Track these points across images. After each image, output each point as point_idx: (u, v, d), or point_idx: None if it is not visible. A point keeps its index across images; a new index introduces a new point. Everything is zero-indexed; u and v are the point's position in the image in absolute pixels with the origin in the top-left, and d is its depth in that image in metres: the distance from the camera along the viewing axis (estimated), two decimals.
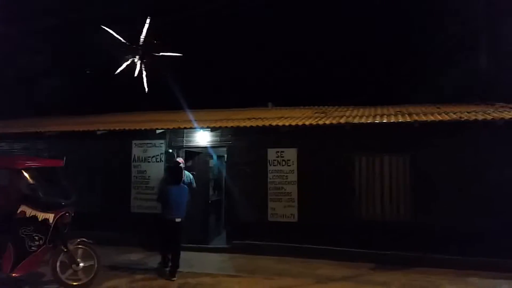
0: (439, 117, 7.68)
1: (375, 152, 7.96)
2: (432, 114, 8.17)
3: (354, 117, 8.33)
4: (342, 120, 8.02)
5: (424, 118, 7.73)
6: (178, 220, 6.80)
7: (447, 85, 12.68)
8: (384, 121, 7.81)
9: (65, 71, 19.57)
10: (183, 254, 7.07)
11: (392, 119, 7.84)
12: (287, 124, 8.22)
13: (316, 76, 15.81)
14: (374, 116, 8.36)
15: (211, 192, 9.67)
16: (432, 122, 7.47)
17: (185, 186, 7.23)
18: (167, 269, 6.93)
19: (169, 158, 9.07)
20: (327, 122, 8.03)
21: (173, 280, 6.61)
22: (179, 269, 6.84)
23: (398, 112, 8.72)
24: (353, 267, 7.28)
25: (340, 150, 8.13)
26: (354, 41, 15.50)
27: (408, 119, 7.74)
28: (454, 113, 7.98)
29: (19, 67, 18.94)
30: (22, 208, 5.91)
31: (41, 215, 5.94)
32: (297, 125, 8.12)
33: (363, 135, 7.98)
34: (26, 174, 6.08)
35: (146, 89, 16.40)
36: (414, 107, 9.50)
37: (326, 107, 10.87)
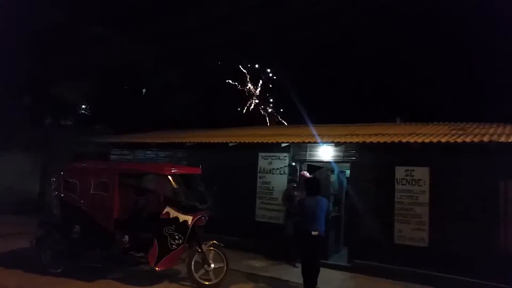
0: None
1: None
2: None
3: (500, 135, 7.40)
4: (485, 138, 7.19)
5: None
6: (314, 233, 6.29)
7: None
8: None
9: (196, 89, 21.63)
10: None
11: None
12: (419, 140, 7.70)
13: (451, 90, 14.52)
14: None
15: (331, 207, 9.54)
16: None
17: (324, 198, 6.75)
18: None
19: (292, 171, 9.29)
20: (467, 140, 7.29)
21: None
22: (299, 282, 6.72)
23: None
24: None
25: (482, 172, 7.28)
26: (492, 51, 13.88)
27: None
28: None
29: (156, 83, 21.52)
30: (167, 209, 6.64)
31: (182, 217, 6.58)
32: (431, 142, 7.55)
33: (510, 157, 7.04)
34: (171, 180, 6.83)
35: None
36: None
37: (464, 123, 9.87)
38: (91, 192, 7.12)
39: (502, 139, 7.07)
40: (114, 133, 15.24)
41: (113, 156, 12.55)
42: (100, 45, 16.87)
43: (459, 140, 7.38)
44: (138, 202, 7.67)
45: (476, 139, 7.24)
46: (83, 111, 21.15)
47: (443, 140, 7.53)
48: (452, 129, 8.92)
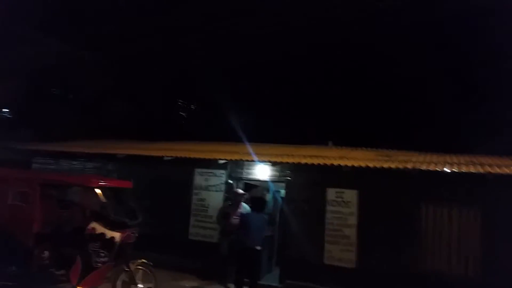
0: None
1: (443, 202, 7.57)
2: (506, 166, 7.68)
3: (421, 163, 8.03)
4: (409, 165, 7.77)
5: (498, 170, 7.29)
6: (258, 248, 6.92)
7: None
8: (455, 170, 7.45)
9: (134, 98, 20.91)
10: None
11: (464, 169, 7.47)
12: (349, 164, 8.10)
13: (379, 118, 15.58)
14: (443, 164, 8.01)
15: (267, 228, 9.61)
16: (507, 175, 7.03)
17: (264, 215, 7.40)
18: None
19: (229, 189, 9.24)
20: (393, 166, 7.81)
21: None
22: None
23: (469, 161, 8.29)
24: None
25: (405, 196, 7.82)
26: (419, 84, 15.22)
27: (481, 170, 7.34)
28: None
29: (92, 89, 20.51)
30: (93, 224, 6.24)
31: (109, 233, 6.22)
32: (360, 166, 7.97)
33: (430, 183, 7.65)
34: (99, 193, 6.46)
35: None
36: (484, 158, 9.00)
37: (389, 150, 10.57)
38: (9, 203, 6.49)
39: (424, 166, 7.68)
40: (38, 140, 14.13)
41: (35, 165, 11.61)
42: (24, 45, 15.77)
43: (386, 165, 7.87)
44: (61, 215, 7.11)
45: (401, 166, 7.77)
46: (3, 114, 19.43)
47: (371, 165, 7.99)
48: (379, 155, 9.50)
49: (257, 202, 7.38)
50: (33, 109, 17.97)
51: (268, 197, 9.99)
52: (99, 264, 6.17)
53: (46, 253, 6.31)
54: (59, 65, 18.02)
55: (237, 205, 8.39)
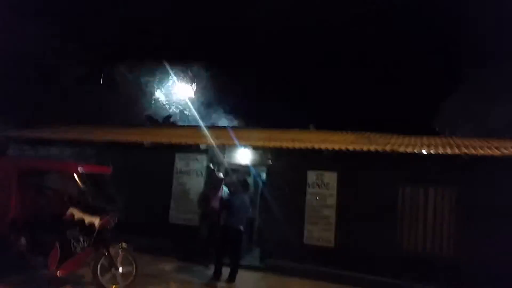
0: (490, 152, 7.40)
1: (420, 183, 7.74)
2: (482, 148, 7.87)
3: (399, 145, 8.16)
4: (388, 148, 7.89)
5: (474, 151, 7.47)
6: (241, 227, 7.21)
7: (494, 118, 12.25)
8: (432, 151, 7.60)
9: (112, 82, 20.55)
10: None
11: (441, 150, 7.62)
12: (330, 147, 8.18)
13: (359, 101, 15.71)
14: (421, 146, 8.16)
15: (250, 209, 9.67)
16: (483, 156, 7.21)
17: (246, 196, 7.64)
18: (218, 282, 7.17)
19: (210, 173, 9.24)
20: (372, 148, 7.92)
21: (233, 284, 7.10)
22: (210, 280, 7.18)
23: (446, 143, 8.47)
24: None
25: (383, 178, 7.97)
26: (399, 67, 15.37)
27: (457, 151, 7.51)
28: (506, 149, 7.65)
29: (71, 74, 20.04)
30: (71, 210, 6.20)
31: (87, 219, 6.19)
32: (340, 149, 8.06)
33: (408, 165, 7.80)
34: (77, 178, 6.38)
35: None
36: (461, 139, 9.21)
37: (369, 133, 10.70)
38: None
39: (402, 149, 7.81)
40: (15, 126, 13.81)
41: (12, 151, 11.35)
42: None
43: (365, 148, 7.98)
44: (39, 202, 7.01)
45: (380, 148, 7.89)
46: None
47: (351, 147, 8.09)
48: (359, 138, 9.62)
49: (240, 184, 7.65)
50: (9, 94, 17.48)
51: (249, 180, 10.02)
52: (78, 250, 6.14)
53: (23, 240, 6.22)
54: (36, 50, 17.52)
55: (217, 188, 8.41)
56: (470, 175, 7.47)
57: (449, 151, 7.62)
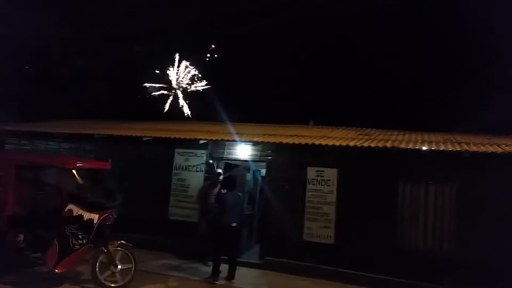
0: (491, 149, 7.36)
1: (420, 180, 7.70)
2: (483, 144, 7.84)
3: (400, 142, 8.12)
4: (389, 144, 7.84)
5: (475, 148, 7.44)
6: (234, 224, 7.16)
7: (497, 116, 12.22)
8: (433, 148, 7.56)
9: (113, 78, 20.43)
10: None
11: (442, 147, 7.58)
12: (330, 143, 8.12)
13: (359, 98, 15.64)
14: (422, 142, 8.12)
15: (245, 205, 9.65)
16: (484, 153, 7.17)
17: (240, 193, 7.66)
18: (217, 281, 7.14)
19: (209, 169, 9.19)
20: (373, 145, 7.87)
21: (232, 282, 7.10)
22: (208, 278, 7.15)
23: (447, 140, 8.43)
24: None
25: (384, 174, 7.91)
26: (400, 63, 15.27)
27: (458, 148, 7.47)
28: (507, 145, 7.62)
29: (71, 70, 19.95)
30: (70, 206, 6.12)
31: (86, 215, 6.12)
32: (341, 146, 8.00)
33: (408, 161, 7.75)
34: (76, 174, 6.31)
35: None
36: (462, 136, 9.17)
37: (369, 129, 10.66)
38: None
39: (403, 145, 7.77)
40: (13, 120, 13.71)
41: (9, 146, 11.27)
42: None
43: (366, 144, 7.93)
44: (37, 198, 6.96)
45: (380, 144, 7.84)
46: None
47: (352, 143, 8.04)
48: (359, 134, 9.58)
49: (227, 181, 7.61)
50: (7, 89, 17.35)
51: (248, 176, 9.99)
52: (77, 247, 6.08)
53: (21, 236, 6.17)
54: (35, 44, 17.39)
55: (215, 184, 8.37)
56: (471, 172, 7.43)
57: (450, 147, 7.58)
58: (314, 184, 8.38)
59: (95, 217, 6.16)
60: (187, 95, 20.78)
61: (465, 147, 7.56)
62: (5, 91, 17.46)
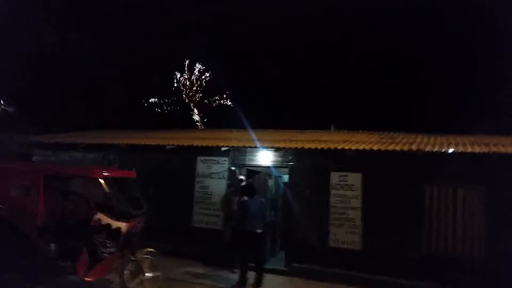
0: None
1: (448, 183, 7.53)
2: (510, 145, 7.63)
3: (425, 145, 7.98)
4: (414, 147, 7.71)
5: (503, 149, 7.25)
6: (259, 231, 7.17)
7: None
8: (460, 150, 7.40)
9: (129, 88, 20.74)
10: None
11: (469, 149, 7.42)
12: (353, 148, 8.04)
13: (381, 101, 15.47)
14: (448, 145, 7.95)
15: (268, 211, 9.61)
16: None
17: (263, 199, 7.66)
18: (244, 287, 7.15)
19: (232, 176, 9.22)
20: (397, 148, 7.75)
21: None
22: (235, 285, 7.15)
23: (473, 142, 8.24)
24: None
25: (409, 178, 7.78)
26: (421, 66, 15.07)
27: (485, 150, 7.29)
28: None
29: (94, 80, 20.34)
30: (98, 215, 6.19)
31: (114, 224, 6.19)
32: (364, 150, 7.91)
33: (434, 164, 7.61)
34: (103, 183, 6.41)
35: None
36: (488, 137, 8.95)
37: (392, 133, 10.51)
38: (12, 196, 6.46)
39: (428, 148, 7.63)
40: (39, 132, 14.07)
41: (36, 157, 11.56)
42: (25, 36, 15.56)
43: (390, 148, 7.82)
44: (65, 207, 7.09)
45: (405, 148, 7.72)
46: (3, 107, 19.29)
47: (375, 147, 7.94)
48: (382, 138, 9.45)
49: (246, 189, 7.62)
50: (34, 101, 17.83)
51: (270, 182, 9.97)
52: (106, 255, 6.16)
53: (52, 246, 6.28)
54: (61, 56, 17.82)
55: (238, 191, 8.38)
56: (499, 173, 7.24)
57: (476, 149, 7.41)
58: (338, 189, 8.30)
59: (122, 225, 6.22)
60: (204, 103, 21.03)
61: (493, 148, 7.37)
62: (29, 101, 17.95)
